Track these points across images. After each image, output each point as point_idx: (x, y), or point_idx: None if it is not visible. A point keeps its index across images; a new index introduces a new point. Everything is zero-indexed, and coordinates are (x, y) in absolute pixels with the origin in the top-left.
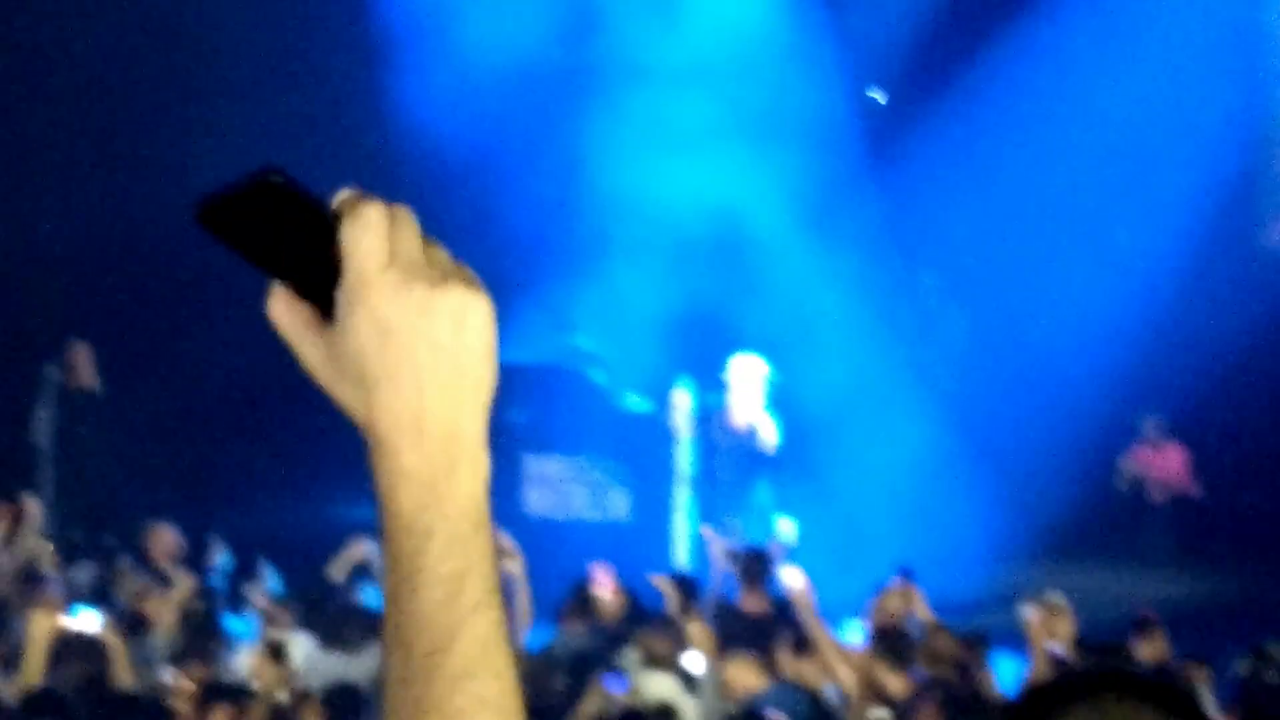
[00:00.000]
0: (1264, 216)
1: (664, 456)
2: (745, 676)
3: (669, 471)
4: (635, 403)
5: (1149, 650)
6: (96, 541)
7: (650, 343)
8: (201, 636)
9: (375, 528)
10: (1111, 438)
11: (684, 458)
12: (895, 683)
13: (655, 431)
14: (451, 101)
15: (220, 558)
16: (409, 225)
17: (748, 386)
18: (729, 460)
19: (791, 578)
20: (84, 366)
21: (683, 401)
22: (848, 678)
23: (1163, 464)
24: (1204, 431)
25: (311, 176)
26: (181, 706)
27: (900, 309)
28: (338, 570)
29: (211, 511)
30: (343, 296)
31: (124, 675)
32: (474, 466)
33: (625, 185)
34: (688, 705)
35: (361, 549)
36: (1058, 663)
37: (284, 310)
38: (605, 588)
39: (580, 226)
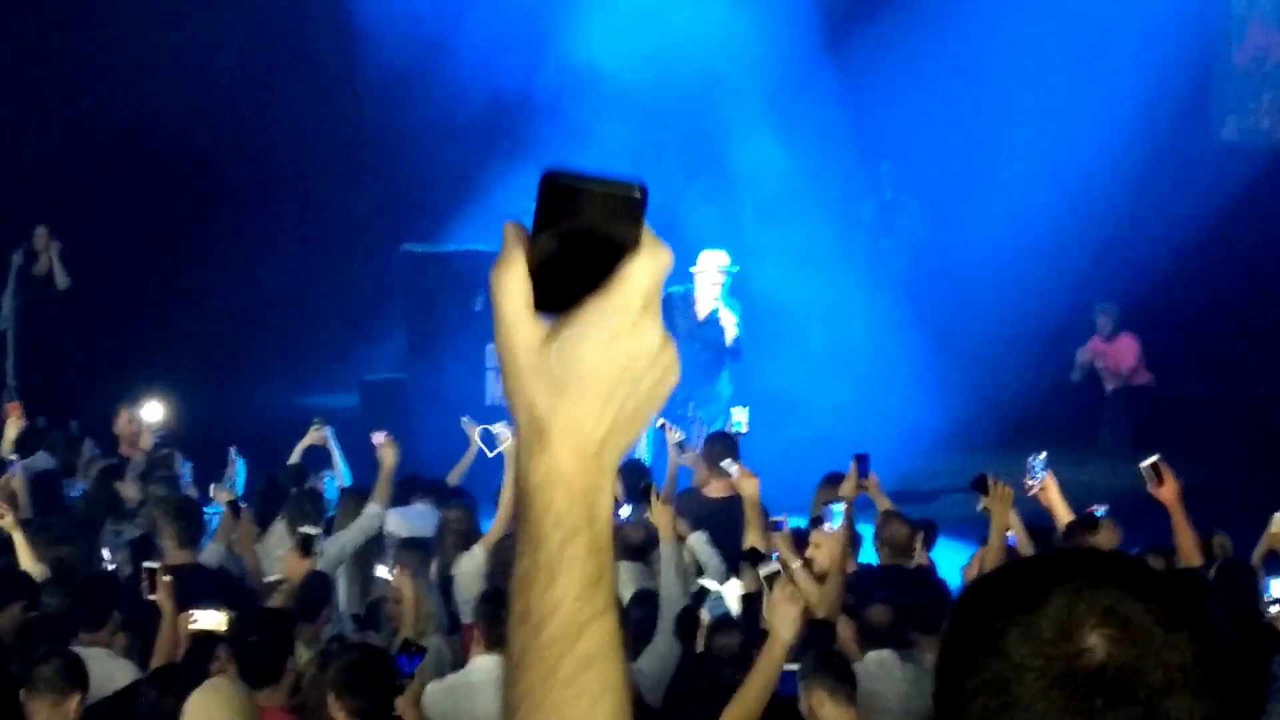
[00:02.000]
0: (1218, 109)
1: None
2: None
3: None
4: None
5: (1103, 542)
6: (61, 427)
7: None
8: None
9: (337, 416)
10: (1066, 328)
11: None
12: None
13: None
14: None
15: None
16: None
17: (711, 279)
18: (691, 350)
19: (735, 471)
20: (48, 252)
21: None
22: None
23: (1116, 354)
24: (1157, 322)
25: (272, 62)
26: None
27: (858, 198)
28: (294, 456)
29: (179, 399)
30: (600, 306)
31: (25, 560)
32: (610, 495)
33: (585, 69)
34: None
35: (319, 434)
36: (1010, 550)
37: (520, 284)
38: None
39: (541, 114)
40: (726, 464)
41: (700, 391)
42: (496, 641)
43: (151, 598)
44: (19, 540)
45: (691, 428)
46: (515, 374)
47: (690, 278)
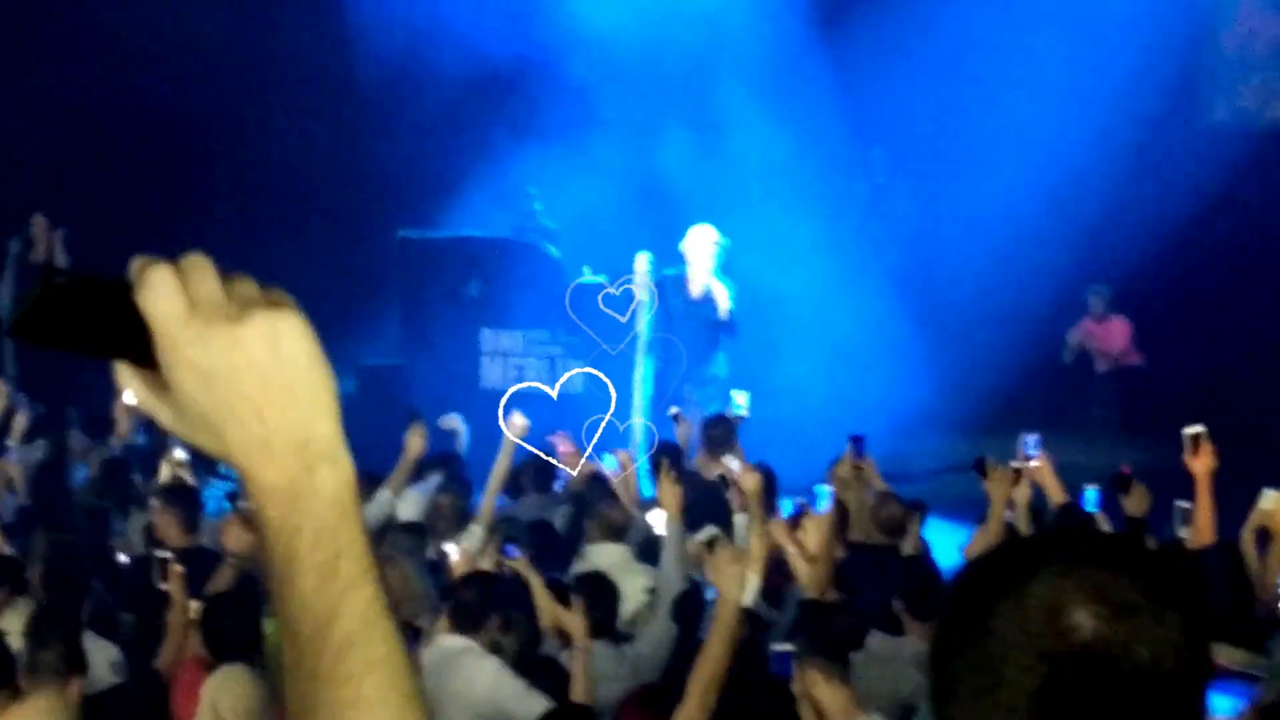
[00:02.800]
0: (1208, 92)
1: (619, 330)
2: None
3: (623, 346)
4: (590, 276)
5: (1132, 505)
6: (59, 415)
7: (604, 216)
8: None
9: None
10: (1057, 310)
11: (643, 324)
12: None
13: (611, 305)
14: None
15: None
16: (201, 271)
17: (703, 254)
18: (687, 329)
19: (737, 467)
20: (44, 241)
21: (642, 265)
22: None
23: (1107, 335)
24: (1148, 304)
25: (267, 46)
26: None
27: (850, 183)
28: None
29: None
30: (160, 357)
31: None
32: (332, 464)
33: (577, 48)
34: (636, 574)
35: None
36: (1009, 528)
37: (135, 384)
38: (564, 452)
39: (536, 97)
40: (728, 460)
41: (696, 372)
42: (461, 625)
43: (164, 587)
44: None
45: (688, 410)
46: (192, 442)
47: (682, 261)
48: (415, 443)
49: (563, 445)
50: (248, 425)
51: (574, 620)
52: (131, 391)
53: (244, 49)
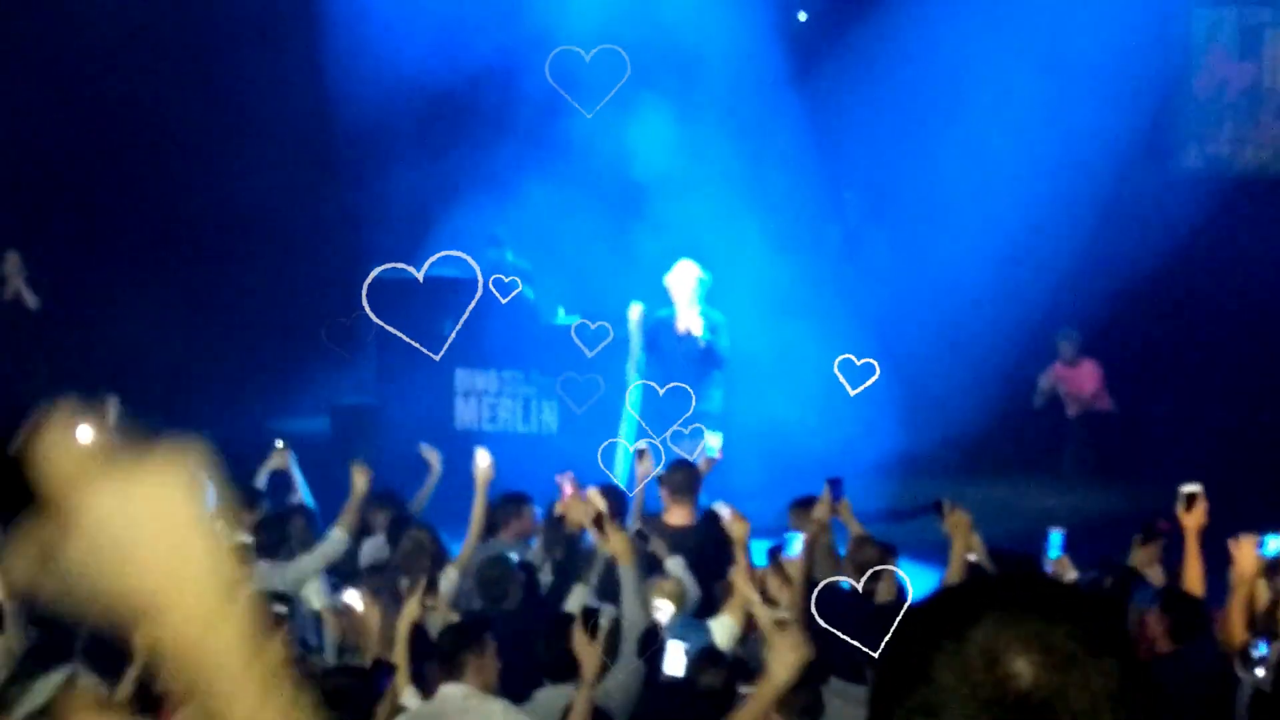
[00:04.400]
0: (1180, 138)
1: (591, 369)
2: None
3: (594, 385)
4: (564, 317)
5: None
6: None
7: (577, 259)
8: None
9: (308, 441)
10: (1028, 354)
11: (633, 371)
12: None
13: (583, 338)
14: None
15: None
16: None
17: (686, 289)
18: (678, 367)
19: (727, 514)
20: (17, 278)
21: (636, 315)
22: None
23: (1077, 380)
24: (1118, 348)
25: (242, 88)
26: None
27: (822, 227)
28: (259, 479)
29: (150, 422)
30: None
31: None
32: None
33: (553, 88)
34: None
35: (282, 457)
36: (973, 568)
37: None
38: (569, 494)
39: (505, 143)
40: (719, 506)
41: (686, 410)
42: (453, 672)
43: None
44: None
45: (682, 444)
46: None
47: (667, 299)
48: (359, 480)
49: (568, 486)
50: None
51: (587, 653)
52: None
53: (216, 88)
